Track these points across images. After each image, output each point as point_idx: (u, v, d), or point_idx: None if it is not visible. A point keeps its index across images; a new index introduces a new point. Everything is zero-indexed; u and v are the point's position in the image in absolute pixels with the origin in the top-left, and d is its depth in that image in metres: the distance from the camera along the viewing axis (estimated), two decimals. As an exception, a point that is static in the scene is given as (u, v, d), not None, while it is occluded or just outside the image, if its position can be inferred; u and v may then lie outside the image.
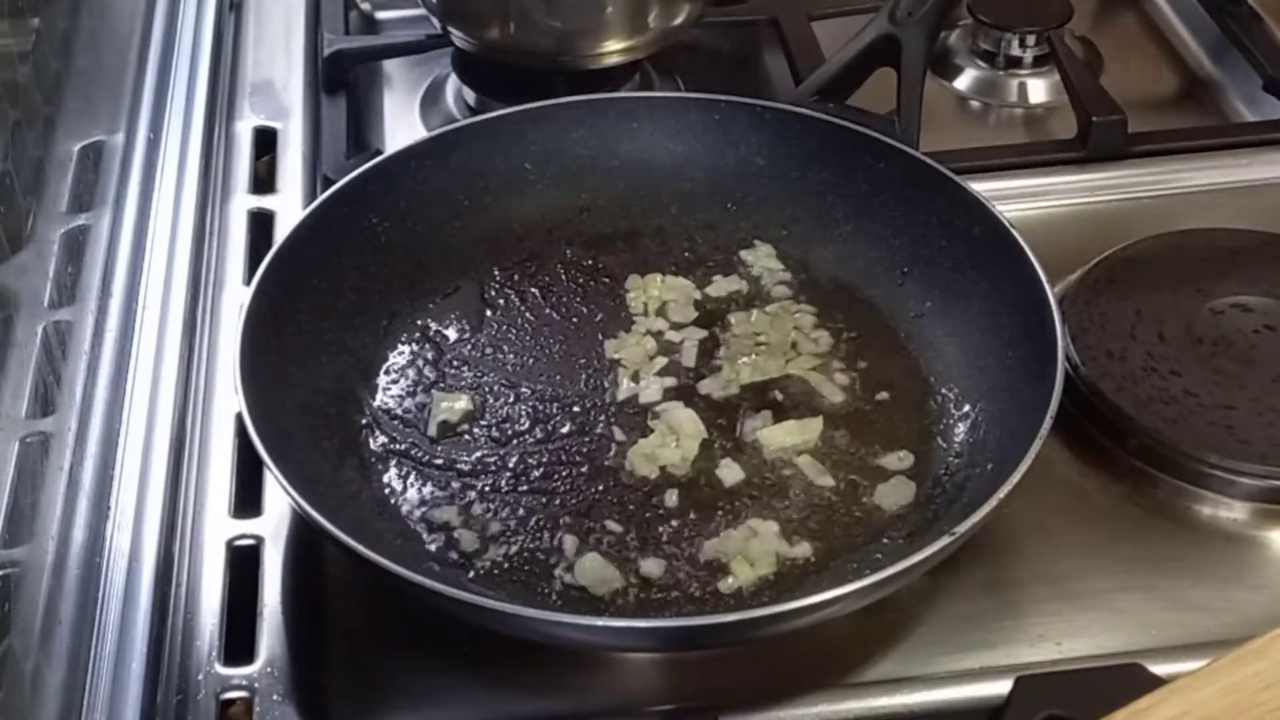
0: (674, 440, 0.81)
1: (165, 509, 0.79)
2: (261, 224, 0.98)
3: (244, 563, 0.77)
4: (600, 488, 0.79)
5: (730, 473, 0.80)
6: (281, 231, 0.89)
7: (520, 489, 0.79)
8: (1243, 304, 0.88)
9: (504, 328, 0.89)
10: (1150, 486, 0.80)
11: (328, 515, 0.69)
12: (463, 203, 0.93)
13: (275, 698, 0.71)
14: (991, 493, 0.69)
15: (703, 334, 0.88)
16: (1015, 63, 1.11)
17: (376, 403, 0.84)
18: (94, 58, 1.00)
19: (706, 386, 0.85)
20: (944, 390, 0.83)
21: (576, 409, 0.84)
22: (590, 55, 1.05)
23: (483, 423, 0.83)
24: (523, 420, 0.83)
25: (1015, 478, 0.69)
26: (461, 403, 0.83)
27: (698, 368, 0.86)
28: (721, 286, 0.91)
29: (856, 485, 0.79)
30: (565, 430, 0.83)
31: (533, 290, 0.91)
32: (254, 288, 0.81)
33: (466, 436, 0.82)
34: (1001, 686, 0.68)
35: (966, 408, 0.81)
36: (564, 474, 0.80)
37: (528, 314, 0.90)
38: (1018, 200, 0.95)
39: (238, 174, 1.02)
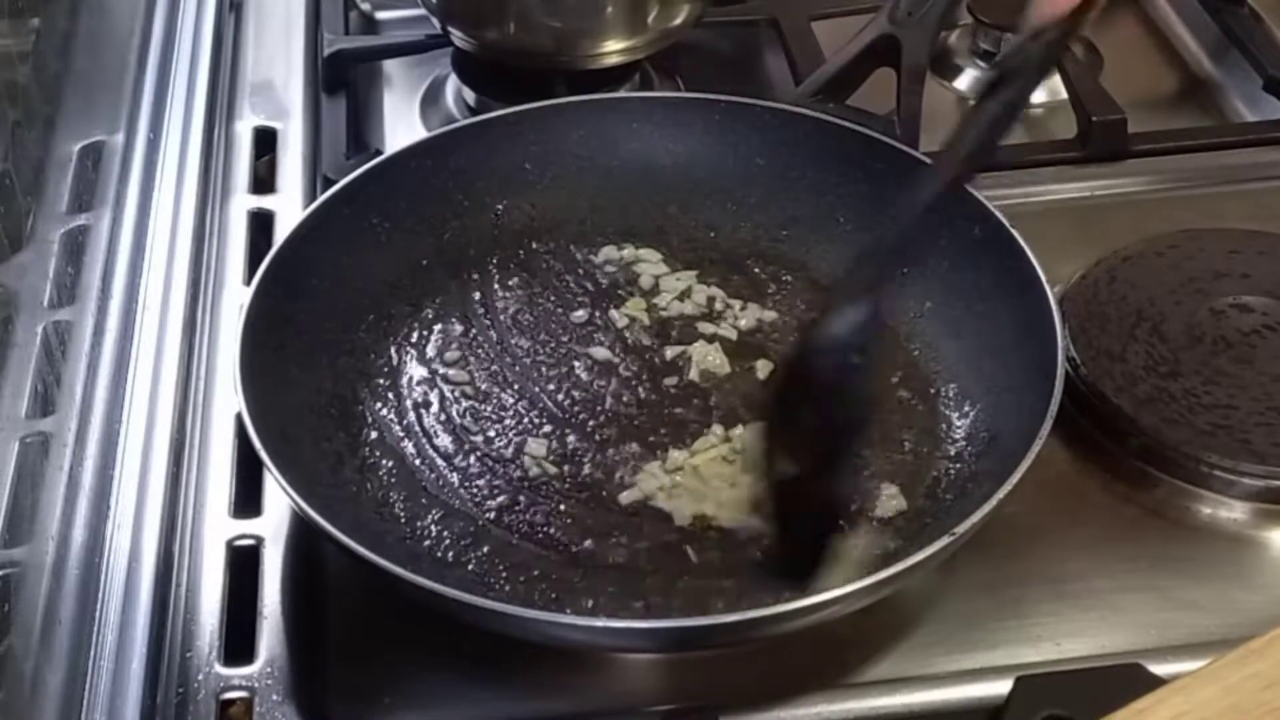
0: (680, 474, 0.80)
1: (165, 509, 0.79)
2: (261, 224, 0.98)
3: (244, 563, 0.77)
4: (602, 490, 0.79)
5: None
6: (281, 231, 0.89)
7: (520, 489, 0.79)
8: (1243, 304, 0.88)
9: (504, 328, 0.89)
10: (1150, 486, 0.80)
11: (328, 515, 0.69)
12: (463, 203, 0.93)
13: (275, 698, 0.71)
14: (991, 493, 0.69)
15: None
16: (1015, 63, 1.11)
17: (377, 403, 0.84)
18: (94, 58, 1.00)
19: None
20: (944, 390, 0.83)
21: (578, 409, 0.84)
22: (590, 55, 1.05)
23: (483, 423, 0.83)
24: (523, 421, 0.83)
25: (1015, 478, 0.69)
26: (462, 406, 0.83)
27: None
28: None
29: (856, 485, 0.79)
30: (565, 430, 0.83)
31: (533, 290, 0.91)
32: (254, 288, 0.81)
33: (466, 437, 0.82)
34: (1001, 686, 0.68)
35: (966, 408, 0.81)
36: (564, 474, 0.80)
37: (528, 314, 0.90)
38: (1018, 200, 0.95)
39: (238, 174, 1.02)
